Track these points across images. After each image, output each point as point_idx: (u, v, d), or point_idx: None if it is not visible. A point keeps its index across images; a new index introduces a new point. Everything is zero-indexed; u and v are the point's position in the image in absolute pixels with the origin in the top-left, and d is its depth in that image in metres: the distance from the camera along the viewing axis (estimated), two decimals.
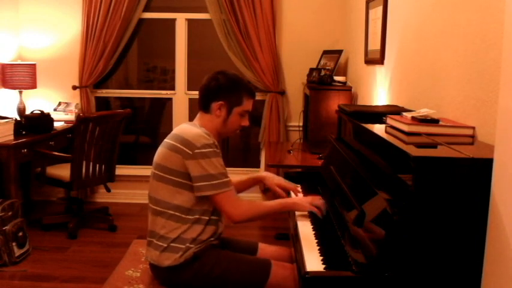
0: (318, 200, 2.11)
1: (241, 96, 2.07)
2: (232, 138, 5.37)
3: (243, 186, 2.36)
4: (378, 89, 3.05)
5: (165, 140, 2.05)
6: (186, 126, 2.05)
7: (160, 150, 2.04)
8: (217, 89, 2.06)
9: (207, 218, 2.00)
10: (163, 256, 1.97)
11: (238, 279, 1.98)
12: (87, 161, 3.81)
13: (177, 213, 1.97)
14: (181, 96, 4.74)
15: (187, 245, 1.96)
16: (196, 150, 1.92)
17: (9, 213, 3.34)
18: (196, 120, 2.11)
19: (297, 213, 2.15)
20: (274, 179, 2.33)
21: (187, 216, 1.97)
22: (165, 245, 1.97)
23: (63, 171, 3.83)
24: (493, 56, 1.58)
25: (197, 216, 1.98)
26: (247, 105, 2.10)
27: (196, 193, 1.95)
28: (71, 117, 4.39)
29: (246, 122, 2.13)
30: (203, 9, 4.51)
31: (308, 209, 2.08)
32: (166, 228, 1.98)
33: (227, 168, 2.02)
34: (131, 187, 4.69)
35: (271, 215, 2.14)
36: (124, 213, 4.39)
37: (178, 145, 1.95)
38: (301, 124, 4.41)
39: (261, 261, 2.07)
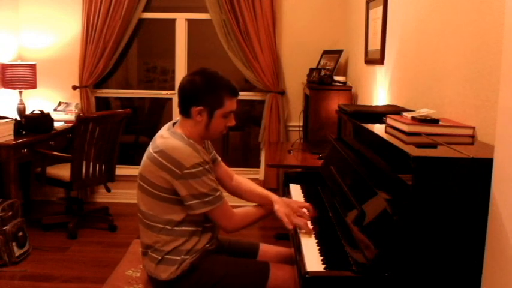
0: (299, 220, 1.96)
1: (222, 97, 1.92)
2: (232, 138, 5.37)
3: (252, 198, 2.19)
4: (378, 89, 3.05)
5: (151, 151, 1.94)
6: (171, 140, 1.91)
7: (147, 163, 1.94)
8: (195, 93, 1.92)
9: (200, 228, 1.97)
10: (160, 269, 1.95)
11: (237, 284, 1.96)
12: (87, 161, 3.81)
13: (168, 227, 1.93)
14: None
15: (183, 256, 1.93)
16: (186, 171, 1.84)
17: (9, 213, 3.34)
18: (178, 127, 1.98)
19: None
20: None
21: (180, 228, 1.93)
22: (160, 258, 1.94)
23: (63, 171, 3.83)
24: (493, 56, 1.58)
25: (191, 229, 1.94)
26: (230, 105, 1.95)
27: (189, 211, 1.90)
28: (71, 117, 4.39)
29: (231, 122, 2.00)
30: (203, 9, 4.51)
31: (288, 225, 1.97)
32: (159, 242, 1.94)
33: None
34: (131, 187, 4.65)
35: (261, 220, 2.12)
36: (124, 213, 4.38)
37: (167, 164, 1.86)
38: (301, 124, 4.40)
39: (260, 264, 2.05)
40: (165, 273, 1.93)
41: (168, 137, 1.93)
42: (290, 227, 1.96)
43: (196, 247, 1.96)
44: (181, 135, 1.93)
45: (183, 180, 1.85)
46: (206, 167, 1.89)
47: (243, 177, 2.30)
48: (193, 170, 1.84)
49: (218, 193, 1.92)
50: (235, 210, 2.02)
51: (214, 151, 2.23)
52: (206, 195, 1.88)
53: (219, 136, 2.04)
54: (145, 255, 2.02)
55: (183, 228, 1.93)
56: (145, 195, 1.95)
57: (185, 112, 1.96)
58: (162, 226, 1.93)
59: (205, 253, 1.98)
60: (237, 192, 2.24)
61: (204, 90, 1.91)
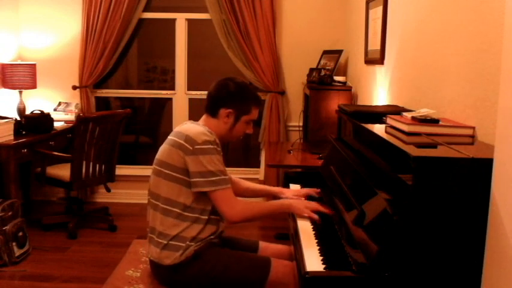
0: (314, 205, 2.10)
1: (250, 105, 2.11)
2: None
3: (255, 192, 2.44)
4: (378, 89, 3.05)
5: (168, 137, 2.09)
6: (189, 124, 2.07)
7: (163, 147, 2.07)
8: (227, 97, 2.08)
9: (206, 217, 2.01)
10: (164, 254, 1.98)
11: (239, 277, 1.99)
12: (87, 161, 3.81)
13: (176, 210, 1.98)
14: (181, 96, 4.74)
15: (187, 243, 1.97)
16: (197, 146, 1.94)
17: (9, 213, 3.34)
18: (201, 121, 2.13)
19: None
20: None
21: (186, 214, 1.98)
22: (165, 242, 1.98)
23: (63, 171, 3.83)
24: (493, 56, 1.58)
25: (196, 215, 1.99)
26: (254, 114, 2.14)
27: (193, 189, 1.96)
28: (71, 117, 4.39)
29: (250, 130, 2.17)
30: (203, 9, 4.51)
31: (304, 213, 2.08)
32: (164, 224, 1.99)
33: (226, 169, 2.02)
34: (131, 187, 4.69)
35: (267, 216, 2.14)
36: (124, 213, 4.39)
37: (180, 141, 1.98)
38: (301, 124, 4.40)
39: (261, 258, 2.08)
40: (169, 258, 1.97)
41: (185, 124, 2.09)
42: (309, 214, 2.07)
43: (201, 236, 2.00)
44: (199, 123, 2.09)
45: (194, 156, 1.94)
46: (218, 148, 1.99)
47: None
48: (204, 147, 1.95)
49: (225, 176, 1.99)
50: (240, 199, 2.06)
51: None
52: (213, 174, 1.94)
53: (235, 140, 2.19)
54: (150, 241, 2.06)
55: (191, 214, 1.98)
56: (159, 177, 2.03)
57: (213, 112, 2.10)
58: (171, 208, 1.99)
59: (209, 244, 2.02)
60: (242, 192, 2.36)
61: (236, 95, 2.09)
